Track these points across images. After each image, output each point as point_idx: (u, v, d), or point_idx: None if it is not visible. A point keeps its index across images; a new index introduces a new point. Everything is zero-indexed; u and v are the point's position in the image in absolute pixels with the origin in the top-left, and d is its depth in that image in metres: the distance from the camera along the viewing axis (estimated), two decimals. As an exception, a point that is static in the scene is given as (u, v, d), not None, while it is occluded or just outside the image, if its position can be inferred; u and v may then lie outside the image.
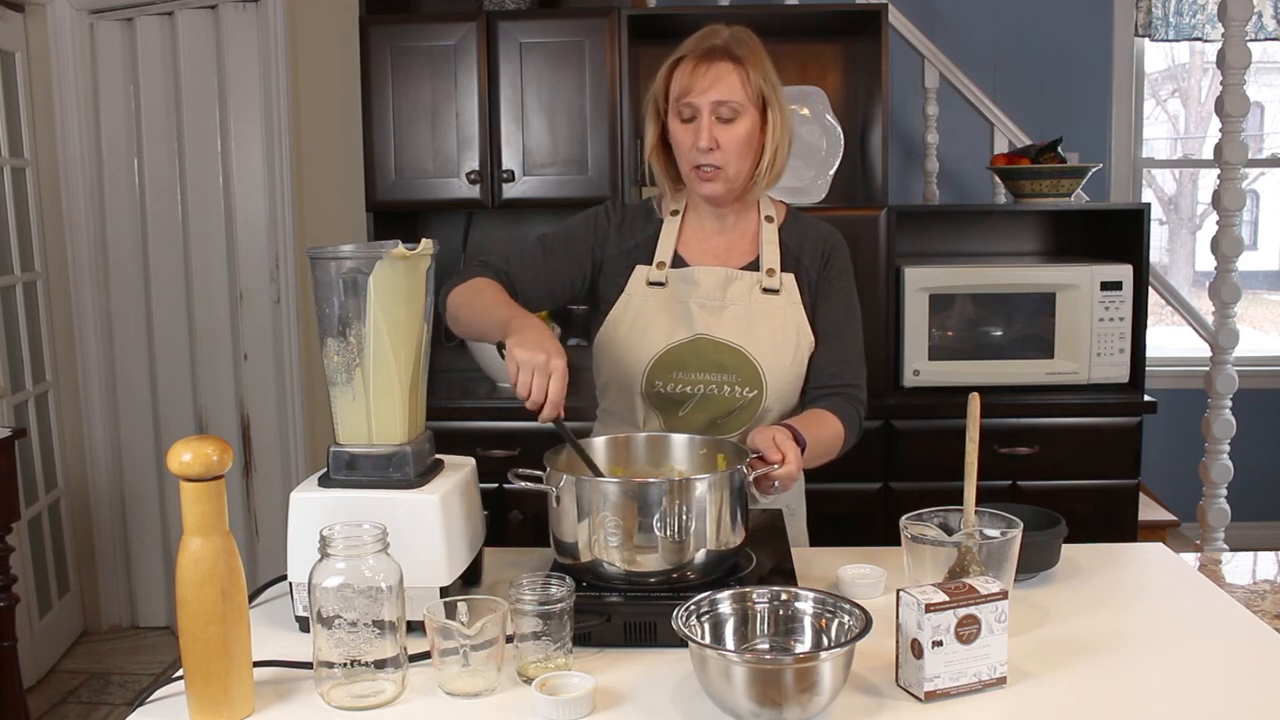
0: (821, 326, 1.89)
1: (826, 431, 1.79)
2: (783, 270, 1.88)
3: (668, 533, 1.43)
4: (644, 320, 1.86)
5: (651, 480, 1.46)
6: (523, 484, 1.52)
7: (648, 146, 1.90)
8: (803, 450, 1.66)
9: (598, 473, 1.59)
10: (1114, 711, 1.28)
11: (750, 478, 1.55)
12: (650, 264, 1.88)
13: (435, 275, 1.54)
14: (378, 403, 1.47)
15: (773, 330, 1.85)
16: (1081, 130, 4.11)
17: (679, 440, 1.69)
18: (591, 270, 1.91)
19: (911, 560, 1.51)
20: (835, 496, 3.14)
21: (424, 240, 1.48)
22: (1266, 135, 5.46)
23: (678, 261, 1.89)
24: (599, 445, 1.67)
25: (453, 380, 3.43)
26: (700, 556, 1.46)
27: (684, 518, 1.44)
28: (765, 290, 1.86)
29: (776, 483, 1.59)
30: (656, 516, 1.43)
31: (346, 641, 1.28)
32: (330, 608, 1.28)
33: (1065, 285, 3.16)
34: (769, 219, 1.92)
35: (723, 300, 1.85)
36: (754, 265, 1.89)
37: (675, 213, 1.92)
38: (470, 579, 1.56)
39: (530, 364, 1.51)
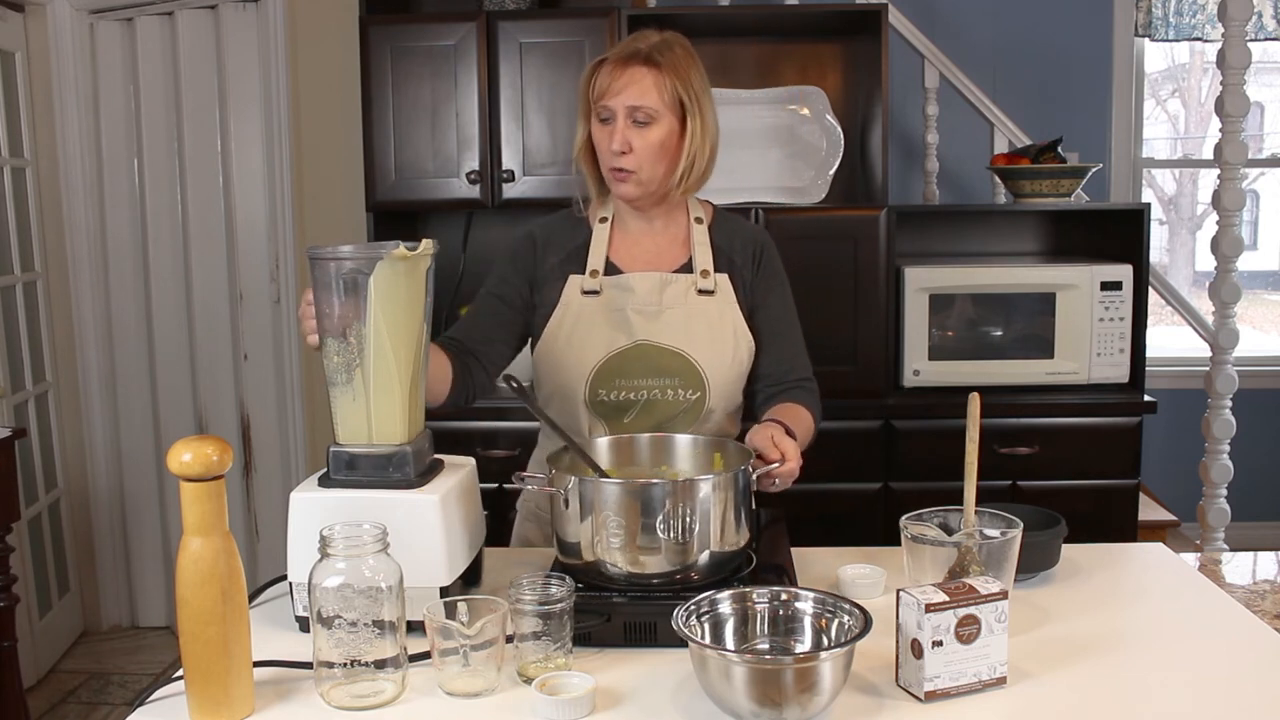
0: (765, 327, 1.91)
1: (805, 424, 1.83)
2: (716, 271, 1.89)
3: (671, 534, 1.43)
4: (582, 329, 1.86)
5: (655, 481, 1.46)
6: (528, 486, 1.52)
7: (576, 147, 1.90)
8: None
9: (596, 468, 1.59)
10: (1114, 711, 1.28)
11: (753, 477, 1.55)
12: (583, 273, 1.88)
13: (435, 275, 1.53)
14: (378, 403, 1.46)
15: (711, 331, 1.86)
16: (1081, 130, 4.11)
17: (683, 440, 1.69)
18: (529, 291, 1.92)
19: (911, 560, 1.51)
20: (835, 496, 3.15)
21: (424, 240, 1.47)
22: (1266, 135, 5.45)
23: (610, 269, 1.89)
24: (601, 446, 1.67)
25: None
26: (704, 558, 1.46)
27: (688, 519, 1.43)
28: (701, 292, 1.87)
29: (776, 481, 1.61)
30: (660, 518, 1.43)
31: (346, 641, 1.28)
32: (330, 608, 1.28)
33: (1065, 285, 3.16)
34: (698, 220, 1.93)
35: (659, 304, 1.86)
36: (687, 267, 1.90)
37: (604, 220, 1.92)
38: (470, 579, 1.56)
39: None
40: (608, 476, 1.58)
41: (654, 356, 1.84)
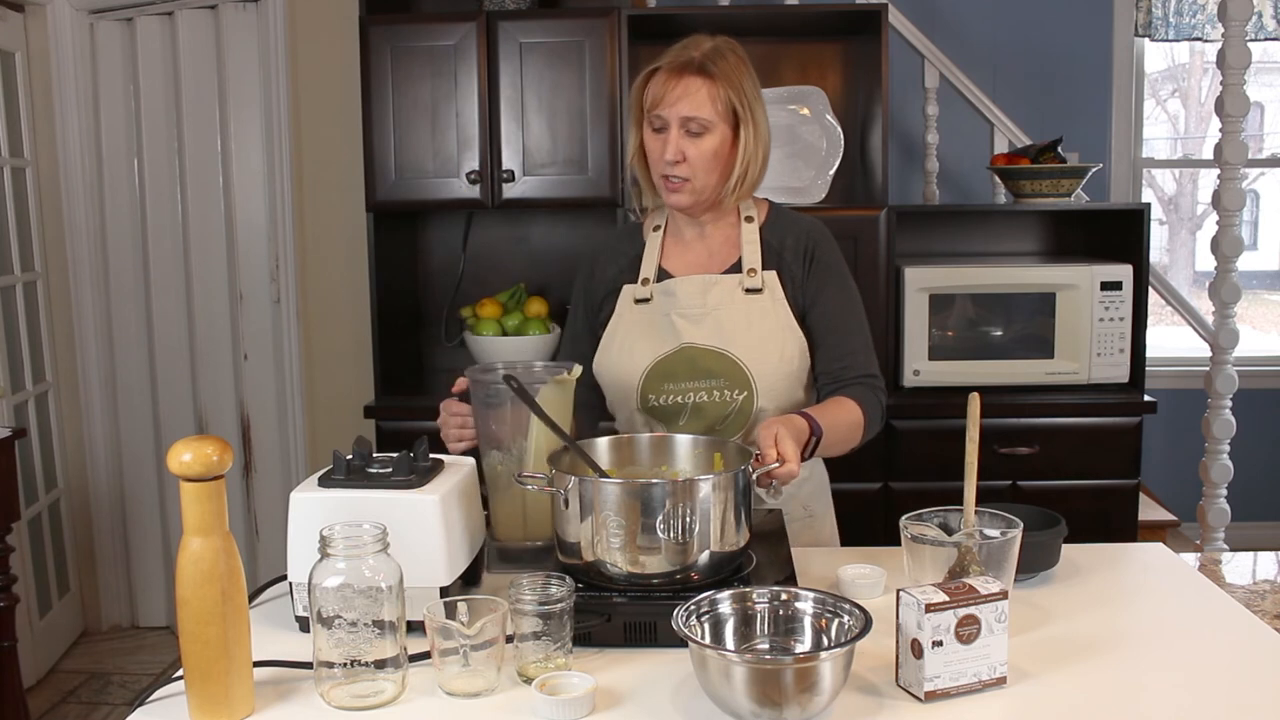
0: (821, 324, 1.89)
1: (845, 418, 1.79)
2: (764, 268, 1.88)
3: (671, 534, 1.43)
4: (631, 337, 1.89)
5: (655, 480, 1.46)
6: (529, 487, 1.52)
7: (630, 152, 1.92)
8: (818, 438, 1.68)
9: (596, 468, 1.59)
10: (1114, 711, 1.28)
11: (752, 476, 1.55)
12: (636, 282, 1.91)
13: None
14: (534, 504, 1.62)
15: (757, 330, 1.85)
16: (1081, 130, 4.11)
17: (683, 440, 1.69)
18: (596, 310, 1.97)
19: (911, 560, 1.51)
20: (835, 496, 3.13)
21: (574, 365, 1.70)
22: (1266, 135, 5.46)
23: (663, 275, 1.91)
24: (602, 446, 1.67)
25: (453, 380, 3.42)
26: (704, 558, 1.45)
27: (688, 519, 1.43)
28: (748, 291, 1.87)
29: (774, 481, 1.60)
30: (659, 517, 1.42)
31: (346, 641, 1.28)
32: (330, 608, 1.28)
33: (1065, 285, 3.16)
34: (749, 219, 1.92)
35: (703, 307, 1.86)
36: (736, 267, 1.90)
37: (657, 228, 1.94)
38: (470, 579, 1.56)
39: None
40: (607, 476, 1.58)
41: (698, 359, 1.84)
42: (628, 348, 1.89)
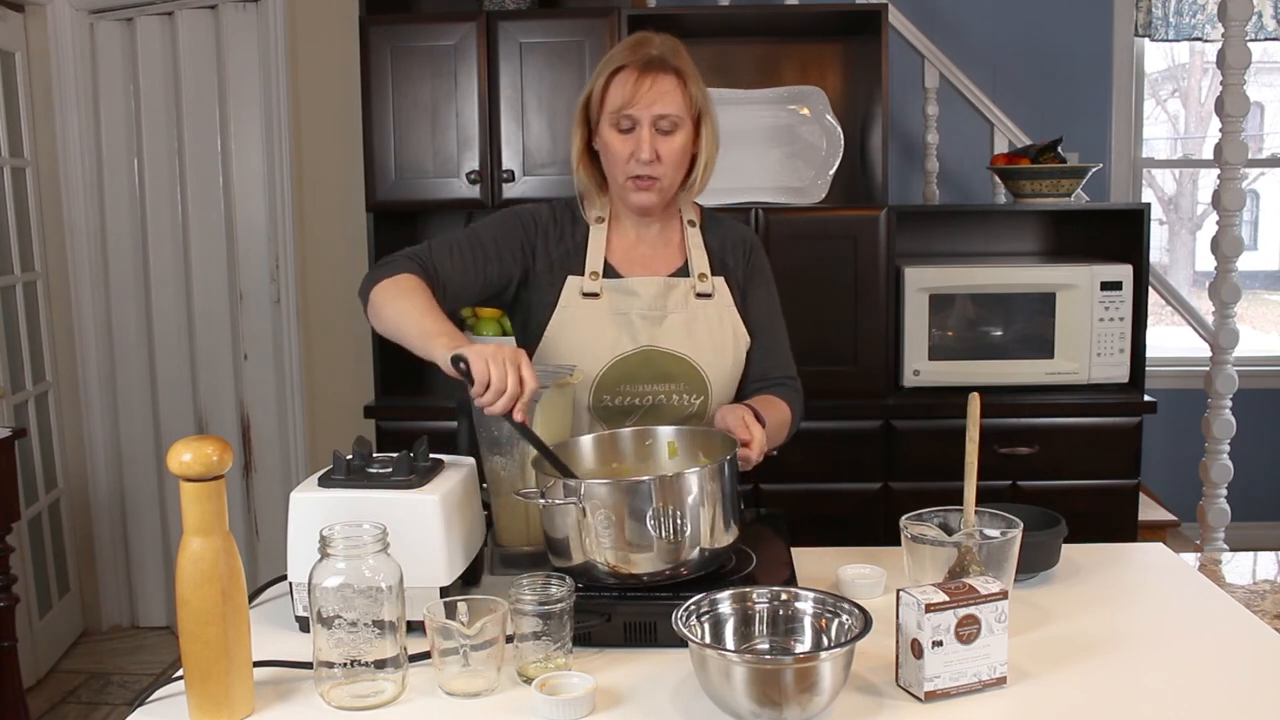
0: (753, 324, 1.91)
1: (779, 416, 1.83)
2: (712, 274, 1.89)
3: (661, 532, 1.43)
4: (584, 333, 1.83)
5: (641, 479, 1.45)
6: (542, 502, 1.51)
7: (574, 154, 1.86)
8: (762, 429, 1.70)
9: (570, 475, 1.57)
10: (1114, 711, 1.28)
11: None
12: (580, 274, 1.85)
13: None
14: (536, 509, 1.56)
15: (712, 335, 1.86)
16: (1081, 130, 4.11)
17: (665, 432, 1.67)
18: (521, 274, 1.86)
19: (911, 560, 1.51)
20: (835, 496, 3.15)
21: (575, 369, 1.70)
22: (1266, 135, 5.46)
23: (608, 271, 1.87)
24: (585, 444, 1.66)
25: (453, 380, 3.42)
26: (694, 553, 1.45)
27: (677, 515, 1.43)
28: (699, 295, 1.87)
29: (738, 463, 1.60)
30: (649, 514, 1.42)
31: (346, 641, 1.28)
32: (330, 608, 1.28)
33: (1065, 285, 3.16)
34: (691, 223, 1.92)
35: (664, 309, 1.85)
36: (682, 271, 1.89)
37: (601, 220, 1.89)
38: (470, 579, 1.56)
39: (496, 356, 1.49)
40: (575, 478, 1.55)
41: (659, 362, 1.83)
42: (580, 344, 1.82)
